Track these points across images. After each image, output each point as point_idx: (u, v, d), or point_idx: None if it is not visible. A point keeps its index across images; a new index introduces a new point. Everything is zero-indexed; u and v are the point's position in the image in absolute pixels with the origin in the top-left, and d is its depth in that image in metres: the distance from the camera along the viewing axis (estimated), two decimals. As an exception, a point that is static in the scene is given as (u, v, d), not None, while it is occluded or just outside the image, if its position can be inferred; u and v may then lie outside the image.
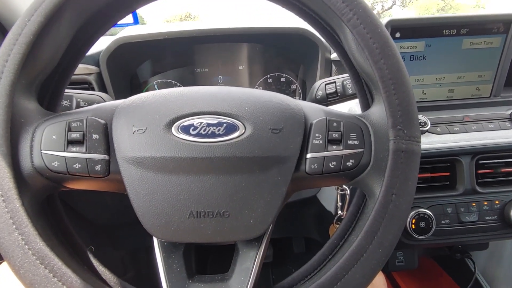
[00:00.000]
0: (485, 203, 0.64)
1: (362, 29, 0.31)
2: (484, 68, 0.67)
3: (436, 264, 1.09)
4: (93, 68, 0.66)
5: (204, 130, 0.31)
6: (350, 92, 0.57)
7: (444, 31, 0.64)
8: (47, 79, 0.35)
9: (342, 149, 0.33)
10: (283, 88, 0.82)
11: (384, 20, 0.62)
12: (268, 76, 0.81)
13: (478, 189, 0.64)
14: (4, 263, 0.39)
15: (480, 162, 0.65)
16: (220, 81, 0.82)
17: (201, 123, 0.31)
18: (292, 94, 0.83)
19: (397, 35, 0.63)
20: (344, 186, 0.56)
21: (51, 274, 0.28)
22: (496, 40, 0.65)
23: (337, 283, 0.30)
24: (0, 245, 0.28)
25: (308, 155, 0.33)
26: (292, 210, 0.94)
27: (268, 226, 0.33)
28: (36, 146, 0.31)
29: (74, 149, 0.31)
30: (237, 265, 0.34)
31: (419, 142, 0.32)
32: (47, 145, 0.31)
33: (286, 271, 1.12)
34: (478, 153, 0.64)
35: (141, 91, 0.79)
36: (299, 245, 1.18)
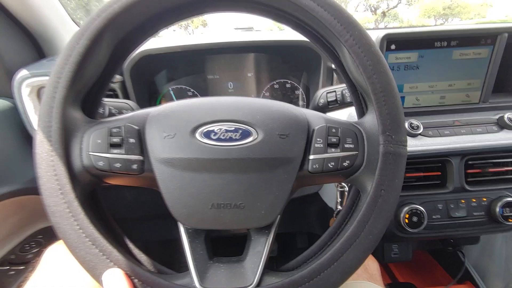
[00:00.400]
0: (473, 200, 0.68)
1: (357, 49, 0.35)
2: (473, 76, 0.71)
3: (430, 257, 1.13)
4: (118, 77, 0.72)
5: (223, 136, 0.36)
6: (348, 100, 0.61)
7: (435, 43, 0.68)
8: (88, 91, 0.40)
9: (340, 152, 0.37)
10: (288, 93, 0.86)
11: (380, 33, 0.66)
12: (275, 82, 0.85)
13: (467, 187, 0.68)
14: (55, 244, 0.45)
15: (469, 162, 0.68)
16: (230, 87, 0.86)
17: (221, 129, 0.36)
18: (297, 99, 0.87)
19: (393, 47, 0.67)
20: (342, 183, 0.61)
21: (101, 253, 0.33)
22: (484, 51, 0.68)
23: (334, 263, 0.34)
24: (58, 229, 0.33)
25: (311, 157, 0.37)
26: (296, 206, 0.98)
27: (276, 216, 0.37)
28: (84, 149, 0.36)
29: (115, 151, 0.36)
30: (250, 249, 0.38)
31: (406, 146, 0.36)
32: (94, 148, 0.36)
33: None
34: (467, 154, 0.67)
35: (157, 97, 0.85)
36: (303, 240, 1.21)
